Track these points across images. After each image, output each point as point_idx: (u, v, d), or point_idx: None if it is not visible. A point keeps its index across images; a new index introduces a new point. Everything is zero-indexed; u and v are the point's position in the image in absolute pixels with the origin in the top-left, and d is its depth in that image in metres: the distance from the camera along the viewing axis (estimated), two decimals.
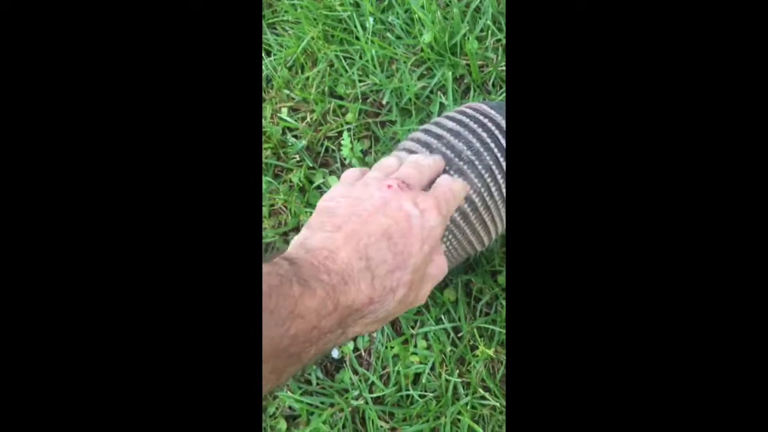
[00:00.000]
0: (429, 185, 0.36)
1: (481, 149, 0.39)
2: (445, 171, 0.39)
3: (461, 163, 0.39)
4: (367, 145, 0.63)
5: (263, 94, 0.66)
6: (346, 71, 0.63)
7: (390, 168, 0.36)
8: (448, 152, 0.39)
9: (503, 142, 0.40)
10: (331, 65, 0.64)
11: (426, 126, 0.44)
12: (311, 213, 0.60)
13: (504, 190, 0.40)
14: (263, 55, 0.67)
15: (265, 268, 0.27)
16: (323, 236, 0.31)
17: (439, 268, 0.35)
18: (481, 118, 0.41)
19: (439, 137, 0.40)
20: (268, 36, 0.68)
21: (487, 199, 0.39)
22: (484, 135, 0.40)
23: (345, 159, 0.61)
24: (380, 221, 0.31)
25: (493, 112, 0.42)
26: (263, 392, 0.25)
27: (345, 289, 0.29)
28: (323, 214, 0.33)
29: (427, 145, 0.40)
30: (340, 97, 0.64)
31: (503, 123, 0.41)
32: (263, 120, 0.64)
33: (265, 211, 0.62)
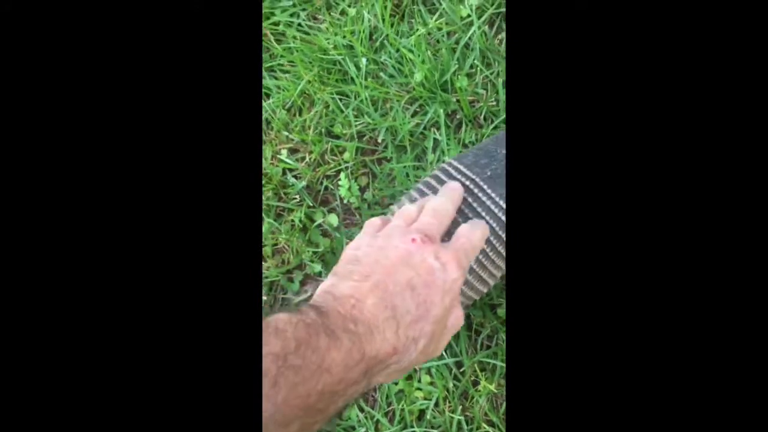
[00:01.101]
0: (447, 233, 0.38)
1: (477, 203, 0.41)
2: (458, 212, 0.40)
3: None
4: (365, 182, 0.64)
5: (263, 136, 0.69)
6: (342, 111, 0.65)
7: (410, 217, 0.37)
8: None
9: (489, 192, 0.41)
10: (327, 106, 0.66)
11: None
12: (313, 251, 0.62)
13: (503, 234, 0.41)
14: (264, 98, 0.70)
15: (293, 317, 0.28)
16: (350, 284, 0.31)
17: (458, 319, 0.35)
18: (462, 179, 0.42)
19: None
20: (266, 80, 0.70)
21: (496, 244, 0.41)
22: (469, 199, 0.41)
23: (344, 198, 0.62)
24: (404, 272, 0.32)
25: (466, 170, 0.43)
26: None
27: (371, 338, 0.29)
28: (349, 263, 0.34)
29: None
30: (337, 137, 0.66)
31: (480, 177, 0.42)
32: (264, 161, 0.66)
33: (268, 250, 0.64)
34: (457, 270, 0.33)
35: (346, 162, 0.64)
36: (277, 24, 0.72)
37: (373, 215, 0.63)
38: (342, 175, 0.62)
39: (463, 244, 0.36)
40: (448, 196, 0.39)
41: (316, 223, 0.62)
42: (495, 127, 0.62)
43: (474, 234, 0.37)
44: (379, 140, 0.64)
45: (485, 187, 0.42)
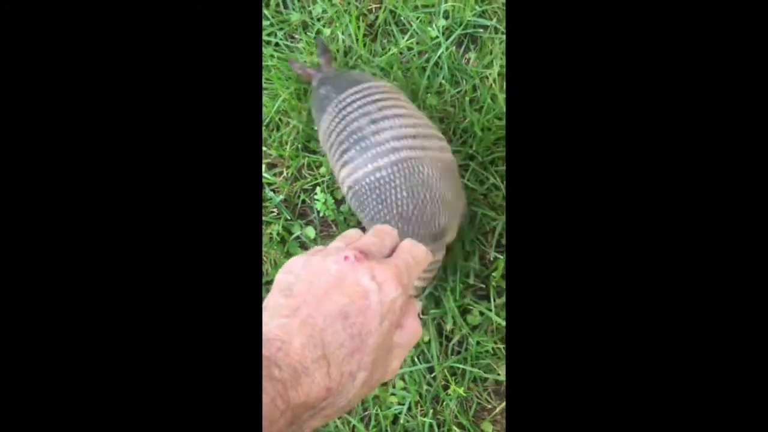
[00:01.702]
0: (391, 252, 0.36)
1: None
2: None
3: None
4: (341, 195, 0.67)
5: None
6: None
7: (352, 238, 0.36)
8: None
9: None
10: (304, 122, 0.69)
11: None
12: None
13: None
14: None
15: None
16: (278, 323, 0.29)
17: (411, 334, 0.33)
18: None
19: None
20: None
21: None
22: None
23: (320, 212, 0.64)
24: (336, 299, 0.30)
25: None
26: None
27: (297, 383, 0.27)
28: (281, 292, 0.32)
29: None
30: (313, 152, 0.68)
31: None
32: None
33: None
34: (396, 288, 0.31)
35: (322, 176, 0.66)
36: None
37: (349, 227, 0.65)
38: (318, 189, 0.64)
39: (405, 259, 0.33)
40: (392, 228, 0.38)
41: (294, 236, 0.64)
42: (463, 142, 0.66)
43: (417, 248, 0.35)
44: None
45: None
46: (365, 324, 0.30)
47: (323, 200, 0.63)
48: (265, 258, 0.65)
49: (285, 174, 0.68)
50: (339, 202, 0.66)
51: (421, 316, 0.59)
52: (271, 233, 0.65)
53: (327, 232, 0.67)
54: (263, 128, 0.70)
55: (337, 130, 0.53)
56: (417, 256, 0.35)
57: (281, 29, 0.75)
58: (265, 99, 0.71)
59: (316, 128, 0.60)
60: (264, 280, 0.65)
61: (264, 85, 0.73)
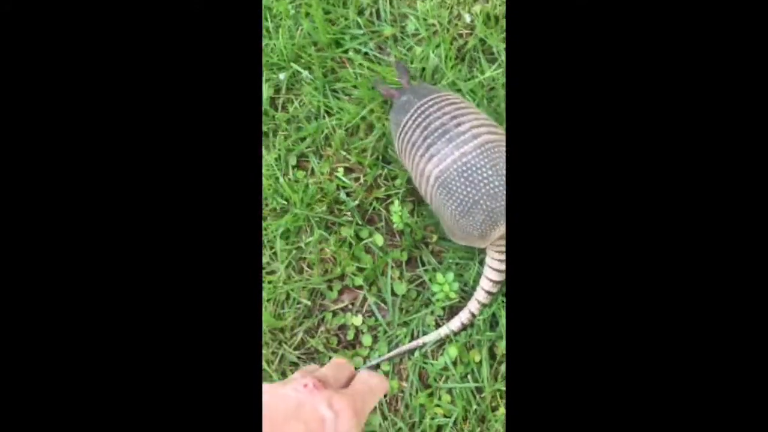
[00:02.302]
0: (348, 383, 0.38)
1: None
2: None
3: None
4: (410, 208, 0.70)
5: (321, 151, 0.74)
6: None
7: (311, 369, 0.38)
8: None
9: None
10: (384, 134, 0.72)
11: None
12: (357, 266, 0.67)
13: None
14: (324, 114, 0.75)
15: None
16: None
17: None
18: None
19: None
20: (330, 99, 0.76)
21: None
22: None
23: (394, 225, 0.68)
24: (293, 426, 0.32)
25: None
26: None
27: None
28: None
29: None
30: (389, 162, 0.71)
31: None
32: (321, 176, 0.72)
33: (314, 258, 0.69)
34: (351, 418, 0.33)
35: (397, 188, 0.69)
36: (346, 51, 0.78)
37: (414, 240, 0.69)
38: (396, 202, 0.67)
39: (361, 388, 0.36)
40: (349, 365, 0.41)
41: (363, 242, 0.68)
42: None
43: (373, 378, 0.37)
44: None
45: None
46: None
47: (399, 213, 0.66)
48: (332, 257, 0.68)
49: (361, 180, 0.71)
50: (409, 213, 0.69)
51: (475, 337, 0.62)
52: (341, 233, 0.69)
53: (392, 241, 0.70)
54: (344, 132, 0.73)
55: (421, 127, 0.59)
56: (372, 385, 0.37)
57: (372, 39, 0.78)
58: (350, 105, 0.74)
59: (394, 136, 0.64)
60: (327, 278, 0.68)
61: (350, 92, 0.76)
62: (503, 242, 0.59)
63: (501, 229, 0.56)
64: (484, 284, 0.62)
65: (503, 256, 0.60)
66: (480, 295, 0.62)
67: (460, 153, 0.55)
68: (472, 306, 0.63)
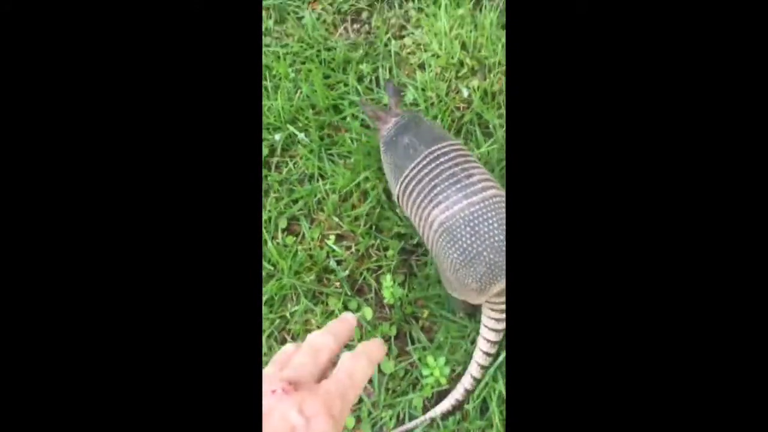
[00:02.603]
0: (333, 363, 0.34)
1: None
2: None
3: None
4: (402, 279, 0.68)
5: (313, 215, 0.73)
6: (393, 211, 0.70)
7: (284, 360, 0.34)
8: None
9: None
10: (378, 202, 0.71)
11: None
12: None
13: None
14: (318, 178, 0.75)
15: None
16: None
17: None
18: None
19: None
20: (324, 162, 0.75)
21: None
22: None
23: (385, 299, 0.65)
24: None
25: None
26: None
27: None
28: None
29: None
30: (381, 231, 0.70)
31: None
32: (311, 241, 0.70)
33: (298, 329, 0.66)
34: (327, 422, 0.30)
35: (389, 260, 0.68)
36: (344, 117, 0.78)
37: (404, 314, 0.66)
38: (387, 276, 0.65)
39: (340, 383, 0.32)
40: (332, 330, 0.35)
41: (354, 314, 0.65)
42: None
43: (357, 365, 0.33)
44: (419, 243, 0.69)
45: None
46: None
47: (391, 288, 0.64)
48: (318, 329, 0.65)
49: (353, 249, 0.69)
50: (401, 283, 0.67)
51: None
52: (328, 304, 0.66)
53: (381, 313, 0.67)
54: (337, 197, 0.72)
55: (431, 175, 0.59)
56: (354, 375, 0.33)
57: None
58: (344, 170, 0.74)
59: (390, 176, 0.64)
60: None
61: (346, 156, 0.76)
62: (501, 300, 0.57)
63: (501, 285, 0.55)
64: (482, 345, 0.60)
65: (501, 315, 0.58)
66: (478, 357, 0.60)
67: (468, 202, 0.55)
68: (466, 381, 0.60)
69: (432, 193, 0.57)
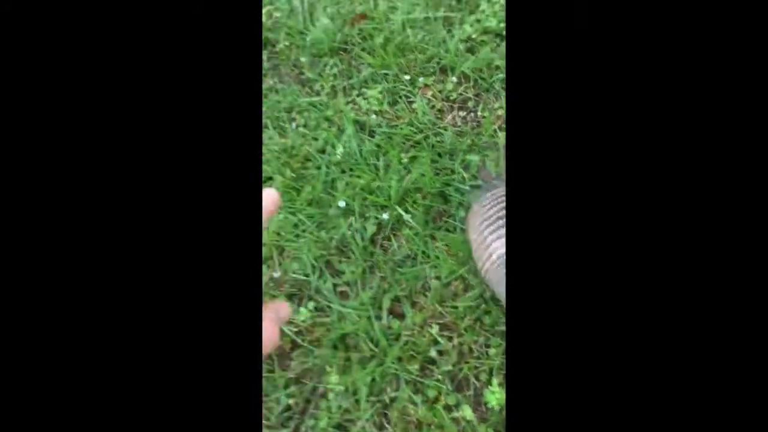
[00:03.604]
0: None
1: None
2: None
3: None
4: (500, 380, 0.68)
5: (414, 298, 0.74)
6: (496, 304, 0.71)
7: None
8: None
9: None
10: (481, 295, 0.72)
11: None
12: None
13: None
14: (421, 262, 0.77)
15: None
16: None
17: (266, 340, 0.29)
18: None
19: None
20: (428, 248, 0.78)
21: None
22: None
23: (488, 404, 0.65)
24: None
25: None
26: None
27: None
28: None
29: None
30: (482, 325, 0.71)
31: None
32: (413, 326, 0.71)
33: (396, 416, 0.66)
34: None
35: (492, 359, 0.68)
36: (448, 202, 0.81)
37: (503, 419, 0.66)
38: (494, 381, 0.65)
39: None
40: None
41: (452, 414, 0.65)
42: None
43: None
44: None
45: None
46: None
47: (498, 393, 0.64)
48: (417, 421, 0.66)
49: (454, 342, 0.70)
50: None
51: None
52: (428, 396, 0.66)
53: (478, 410, 0.67)
54: (440, 284, 0.74)
55: (500, 206, 0.68)
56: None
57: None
58: (448, 257, 0.76)
59: (471, 208, 0.72)
60: None
61: (449, 241, 0.78)
62: None
63: None
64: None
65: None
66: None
67: None
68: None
69: (496, 223, 0.66)
